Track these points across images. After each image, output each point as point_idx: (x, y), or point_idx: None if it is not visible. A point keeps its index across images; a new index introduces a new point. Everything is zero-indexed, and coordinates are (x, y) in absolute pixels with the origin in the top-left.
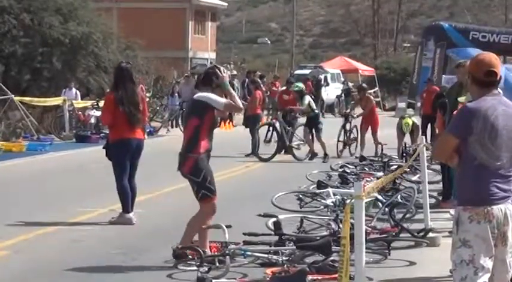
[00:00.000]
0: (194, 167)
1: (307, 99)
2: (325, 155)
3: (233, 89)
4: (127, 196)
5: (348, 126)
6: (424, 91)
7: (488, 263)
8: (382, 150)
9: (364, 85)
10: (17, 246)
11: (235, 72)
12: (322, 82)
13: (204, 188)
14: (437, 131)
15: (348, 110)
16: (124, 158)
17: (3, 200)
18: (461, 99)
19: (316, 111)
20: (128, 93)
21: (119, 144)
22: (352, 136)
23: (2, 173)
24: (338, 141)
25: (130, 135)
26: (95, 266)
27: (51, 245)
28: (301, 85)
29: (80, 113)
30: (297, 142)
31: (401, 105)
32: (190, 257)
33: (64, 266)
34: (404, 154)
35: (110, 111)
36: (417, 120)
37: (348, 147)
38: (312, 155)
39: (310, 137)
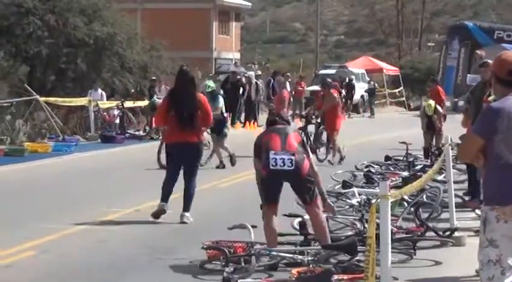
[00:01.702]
0: (310, 169)
1: (221, 101)
2: (221, 162)
3: (257, 89)
4: (165, 190)
5: (310, 129)
6: (430, 91)
7: None
8: (407, 149)
9: (327, 80)
10: (44, 246)
11: (259, 72)
12: (354, 82)
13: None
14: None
15: (306, 112)
16: (173, 159)
17: (30, 200)
18: (490, 98)
19: (225, 114)
20: (185, 96)
21: (170, 146)
22: (319, 140)
23: (28, 173)
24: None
25: (183, 139)
26: (120, 266)
27: (77, 245)
28: (213, 84)
29: (105, 113)
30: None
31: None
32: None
33: (90, 266)
34: (429, 154)
35: (162, 114)
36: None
37: (314, 152)
38: (221, 163)
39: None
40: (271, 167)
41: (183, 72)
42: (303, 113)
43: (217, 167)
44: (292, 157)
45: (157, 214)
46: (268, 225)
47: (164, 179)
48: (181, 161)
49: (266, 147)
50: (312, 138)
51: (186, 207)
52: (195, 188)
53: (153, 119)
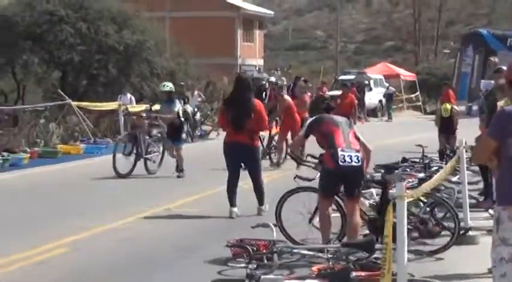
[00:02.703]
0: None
1: (178, 105)
2: (179, 168)
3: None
4: (228, 191)
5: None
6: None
7: None
8: (423, 151)
9: (279, 83)
10: (75, 243)
11: (284, 78)
12: (366, 87)
13: None
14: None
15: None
16: (229, 158)
17: (63, 200)
18: (500, 103)
19: (182, 119)
20: (242, 101)
21: (225, 146)
22: (272, 143)
23: (61, 174)
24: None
25: (235, 139)
26: (148, 263)
27: (107, 243)
28: (171, 85)
29: (134, 117)
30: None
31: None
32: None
33: (119, 263)
34: (444, 156)
35: (222, 116)
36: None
37: (268, 156)
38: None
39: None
40: (341, 163)
41: (241, 79)
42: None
43: (178, 176)
44: (359, 154)
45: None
46: (324, 216)
47: (227, 180)
48: (239, 161)
49: (329, 139)
50: (267, 142)
51: (260, 202)
52: (262, 184)
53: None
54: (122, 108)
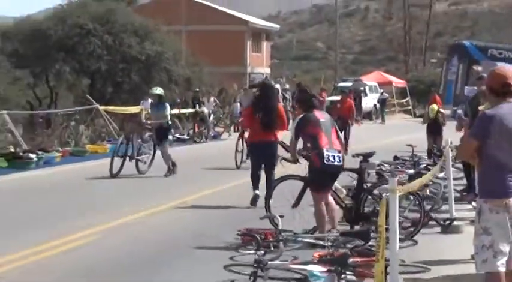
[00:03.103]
0: None
1: (168, 109)
2: (169, 168)
3: (284, 99)
4: (253, 179)
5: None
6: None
7: (505, 247)
8: (413, 150)
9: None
10: (105, 232)
11: (287, 86)
12: (362, 93)
13: None
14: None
15: (240, 119)
16: (256, 154)
17: (93, 192)
18: (481, 107)
19: (170, 122)
20: (269, 104)
21: (254, 144)
22: None
23: (89, 170)
24: (236, 151)
25: (263, 138)
26: (167, 249)
27: (132, 231)
28: (161, 89)
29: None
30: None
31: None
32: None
33: (142, 249)
34: (432, 154)
35: (249, 118)
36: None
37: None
38: (169, 170)
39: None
40: (326, 162)
41: (267, 85)
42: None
43: (165, 176)
44: (340, 154)
45: (253, 201)
46: (320, 211)
47: (250, 173)
48: (262, 157)
49: (314, 141)
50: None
51: (269, 194)
52: (273, 178)
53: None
54: (144, 112)
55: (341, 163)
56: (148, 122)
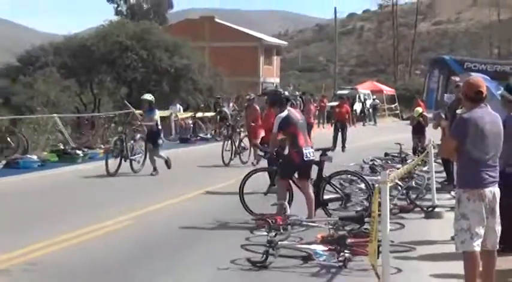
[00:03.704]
0: None
1: (157, 114)
2: (154, 168)
3: (292, 105)
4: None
5: (234, 137)
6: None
7: (481, 230)
8: (400, 148)
9: (250, 95)
10: (136, 218)
11: (297, 92)
12: (357, 100)
13: None
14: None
15: (233, 123)
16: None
17: (131, 184)
18: (458, 111)
19: (160, 127)
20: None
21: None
22: (241, 145)
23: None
24: (224, 150)
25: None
26: (194, 230)
27: (160, 218)
28: (151, 96)
29: (182, 122)
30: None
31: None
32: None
33: (170, 231)
34: (417, 151)
35: (267, 120)
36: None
37: (238, 156)
38: (155, 170)
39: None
40: (305, 159)
41: (277, 92)
42: (231, 123)
43: (151, 174)
44: (313, 149)
45: (268, 191)
46: (283, 191)
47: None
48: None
49: (294, 140)
50: (236, 144)
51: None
52: None
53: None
54: (173, 115)
55: (314, 157)
56: (139, 123)
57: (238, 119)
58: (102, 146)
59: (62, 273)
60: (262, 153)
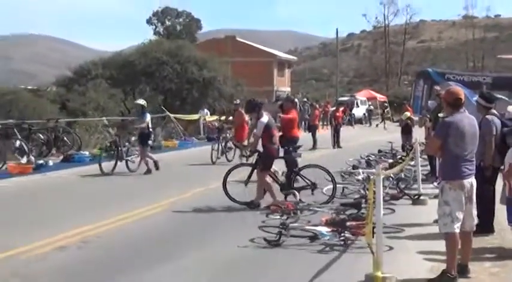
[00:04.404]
0: None
1: (148, 116)
2: (148, 170)
3: (301, 109)
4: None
5: (222, 138)
6: (403, 108)
7: (460, 215)
8: (391, 146)
9: (236, 101)
10: (170, 205)
11: (306, 99)
12: (354, 105)
13: None
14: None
15: (227, 126)
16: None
17: (163, 177)
18: (440, 115)
19: (150, 129)
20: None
21: (293, 140)
22: (227, 145)
23: (163, 159)
24: (212, 150)
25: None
26: (217, 214)
27: (183, 207)
28: (144, 101)
29: (209, 124)
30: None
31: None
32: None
33: (188, 222)
34: (405, 148)
35: (293, 121)
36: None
37: (224, 154)
38: (148, 170)
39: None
40: (278, 154)
41: (291, 99)
42: (218, 125)
43: (145, 173)
44: None
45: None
46: (267, 182)
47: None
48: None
49: (272, 139)
50: (223, 144)
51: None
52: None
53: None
54: (202, 118)
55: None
56: (135, 126)
57: (224, 124)
58: None
59: (113, 247)
60: (248, 153)
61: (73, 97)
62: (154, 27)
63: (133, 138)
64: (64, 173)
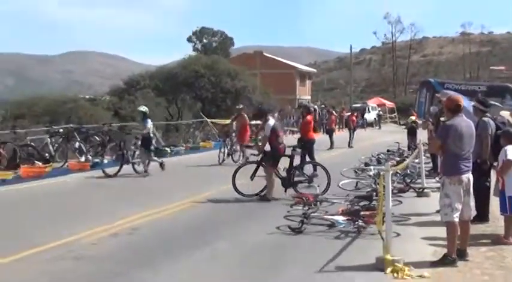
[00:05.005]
0: None
1: (150, 122)
2: (145, 170)
3: (320, 114)
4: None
5: (228, 141)
6: (409, 113)
7: (459, 206)
8: (398, 146)
9: (239, 106)
10: (206, 197)
11: (323, 105)
12: (366, 111)
13: None
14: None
15: (233, 129)
16: (311, 144)
17: (197, 174)
18: (442, 119)
19: (151, 134)
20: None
21: (311, 142)
22: (233, 148)
23: (200, 159)
24: (220, 152)
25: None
26: (246, 205)
27: (215, 201)
28: (145, 109)
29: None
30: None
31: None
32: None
33: (220, 213)
34: (410, 148)
35: (309, 124)
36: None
37: (230, 156)
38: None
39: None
40: (285, 152)
41: (307, 106)
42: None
43: (143, 176)
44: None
45: (310, 178)
46: (272, 178)
47: (301, 159)
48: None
49: (278, 138)
50: (229, 146)
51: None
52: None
53: None
54: (234, 123)
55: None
56: (138, 131)
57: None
58: (184, 145)
59: (161, 235)
60: (255, 152)
61: (124, 105)
62: (193, 44)
63: (139, 143)
64: (116, 168)
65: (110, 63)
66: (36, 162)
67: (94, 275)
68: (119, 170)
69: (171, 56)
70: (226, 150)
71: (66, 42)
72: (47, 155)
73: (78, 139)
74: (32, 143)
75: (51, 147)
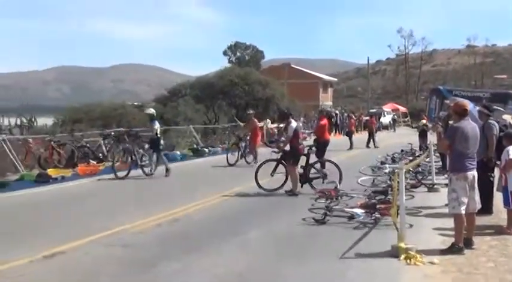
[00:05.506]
0: None
1: (157, 124)
2: (167, 169)
3: (341, 119)
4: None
5: (241, 144)
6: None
7: (465, 200)
8: (411, 146)
9: (250, 111)
10: (238, 192)
11: (344, 111)
12: (382, 115)
13: None
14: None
15: (242, 134)
16: (326, 146)
17: (230, 173)
18: (450, 122)
19: (159, 135)
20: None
21: (326, 143)
22: (246, 150)
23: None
24: (228, 154)
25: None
26: (274, 199)
27: (245, 195)
28: (152, 111)
29: (270, 130)
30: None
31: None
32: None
33: (250, 206)
34: (421, 148)
35: (324, 127)
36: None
37: (243, 158)
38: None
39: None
40: (304, 151)
41: (324, 111)
42: (237, 133)
43: (147, 175)
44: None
45: (324, 176)
46: (295, 174)
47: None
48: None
49: (298, 139)
50: (243, 149)
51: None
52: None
53: None
54: (265, 126)
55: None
56: (145, 134)
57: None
58: (220, 146)
59: (200, 224)
60: (276, 150)
61: (168, 111)
62: (228, 57)
63: (147, 146)
64: (160, 168)
65: (155, 74)
66: (91, 161)
67: (140, 260)
68: (127, 173)
69: (209, 68)
70: (239, 153)
71: (120, 55)
72: (100, 155)
73: (127, 141)
74: (88, 145)
75: (104, 148)
